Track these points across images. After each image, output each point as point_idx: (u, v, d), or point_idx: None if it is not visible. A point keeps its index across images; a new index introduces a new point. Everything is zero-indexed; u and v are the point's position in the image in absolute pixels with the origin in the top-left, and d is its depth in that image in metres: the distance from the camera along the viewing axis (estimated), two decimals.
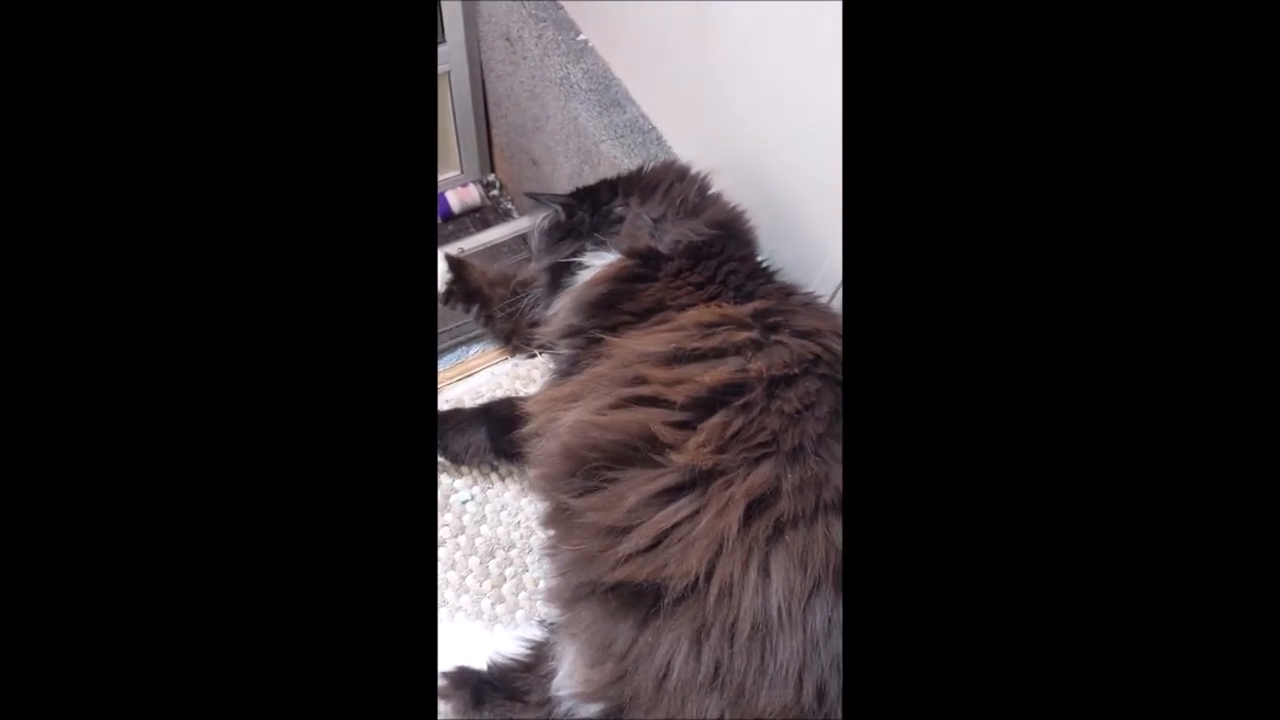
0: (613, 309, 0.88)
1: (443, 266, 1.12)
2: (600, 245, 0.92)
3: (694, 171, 0.96)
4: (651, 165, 1.00)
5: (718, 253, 0.87)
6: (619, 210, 0.94)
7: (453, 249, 1.45)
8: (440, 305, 1.16)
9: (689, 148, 1.18)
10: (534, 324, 1.02)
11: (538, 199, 0.99)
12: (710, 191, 0.95)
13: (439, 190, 1.83)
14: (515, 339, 1.13)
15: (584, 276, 0.91)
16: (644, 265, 0.87)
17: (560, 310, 0.94)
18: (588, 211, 0.95)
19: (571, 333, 0.91)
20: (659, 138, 1.22)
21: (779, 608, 0.64)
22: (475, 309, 1.14)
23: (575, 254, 0.93)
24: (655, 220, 0.90)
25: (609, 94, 1.27)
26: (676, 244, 0.87)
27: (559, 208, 0.97)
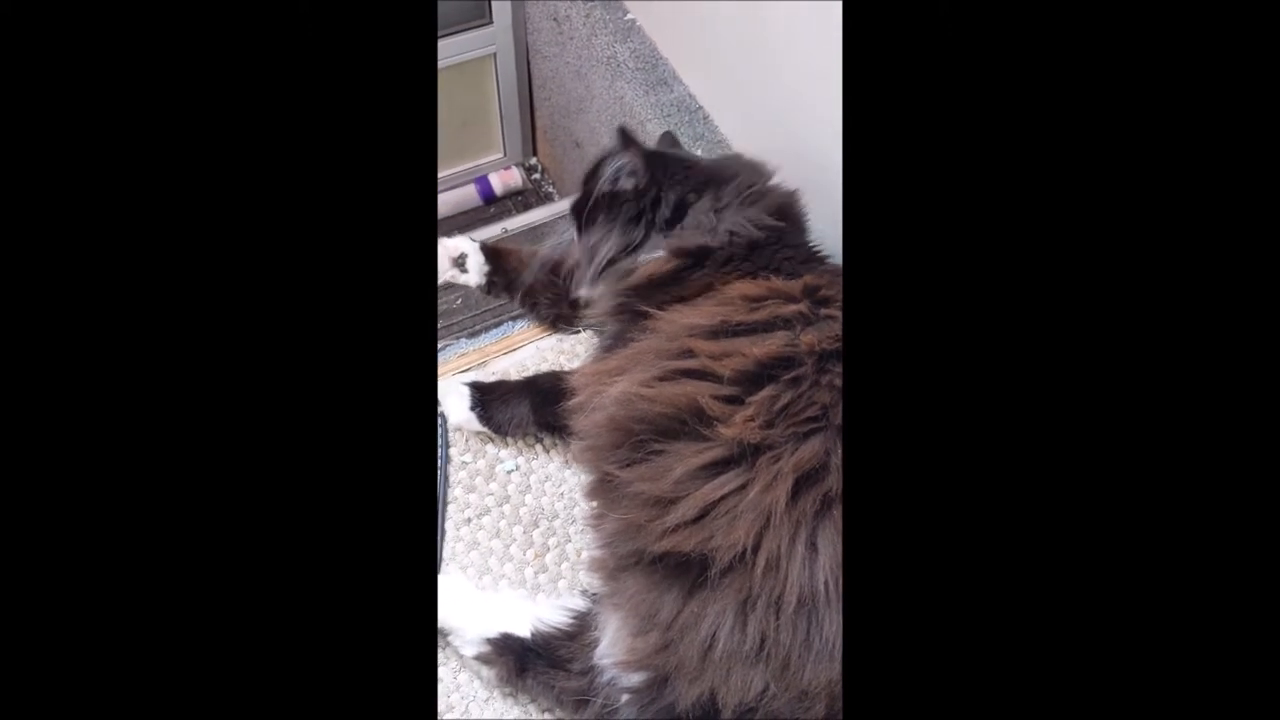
0: (660, 289, 0.87)
1: (480, 258, 1.12)
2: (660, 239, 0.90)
3: (769, 170, 0.93)
4: (733, 161, 0.98)
5: (773, 242, 0.86)
6: (689, 198, 0.90)
7: (495, 229, 1.46)
8: (484, 295, 1.16)
9: (737, 126, 1.17)
10: (576, 304, 1.02)
11: (629, 139, 0.93)
12: (771, 180, 0.93)
13: (483, 173, 1.84)
14: (559, 321, 1.13)
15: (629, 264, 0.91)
16: (691, 266, 0.86)
17: (604, 291, 0.93)
18: (669, 203, 0.90)
19: (616, 311, 0.90)
20: (705, 116, 1.21)
21: (826, 582, 0.64)
22: (518, 296, 1.14)
23: (638, 248, 0.91)
24: (717, 210, 0.88)
25: (656, 73, 1.27)
26: (732, 236, 0.85)
27: (642, 169, 0.91)
